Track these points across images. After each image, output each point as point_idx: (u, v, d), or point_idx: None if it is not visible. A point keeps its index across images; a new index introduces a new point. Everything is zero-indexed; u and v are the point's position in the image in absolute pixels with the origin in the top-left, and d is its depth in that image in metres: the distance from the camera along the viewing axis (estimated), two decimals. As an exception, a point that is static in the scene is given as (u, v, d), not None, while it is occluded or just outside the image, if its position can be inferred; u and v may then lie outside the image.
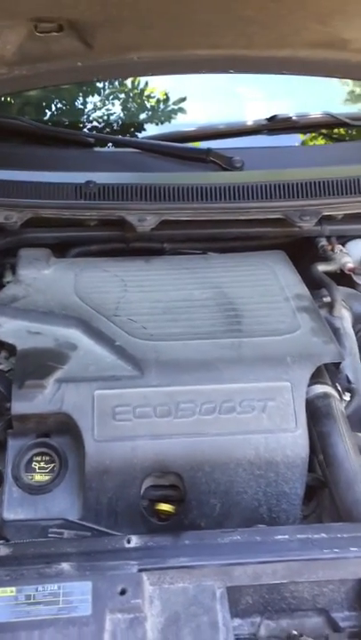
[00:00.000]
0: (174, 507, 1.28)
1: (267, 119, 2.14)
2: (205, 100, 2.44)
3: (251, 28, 1.65)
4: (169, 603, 1.01)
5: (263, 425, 1.27)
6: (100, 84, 2.47)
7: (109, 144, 2.15)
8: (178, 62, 1.78)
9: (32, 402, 1.27)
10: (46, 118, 2.39)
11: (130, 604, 0.99)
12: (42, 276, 1.64)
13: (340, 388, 1.42)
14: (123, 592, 1.00)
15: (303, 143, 2.25)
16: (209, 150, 1.97)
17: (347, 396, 1.43)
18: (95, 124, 2.37)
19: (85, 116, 2.42)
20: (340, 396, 1.40)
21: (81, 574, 1.03)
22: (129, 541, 1.08)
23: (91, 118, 2.40)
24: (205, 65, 1.82)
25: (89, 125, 2.36)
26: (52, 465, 1.28)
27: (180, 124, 2.33)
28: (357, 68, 1.81)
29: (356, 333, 1.65)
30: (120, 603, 0.99)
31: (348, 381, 1.49)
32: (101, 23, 1.61)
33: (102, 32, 1.64)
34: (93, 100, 2.46)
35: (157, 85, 2.47)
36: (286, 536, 1.09)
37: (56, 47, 1.67)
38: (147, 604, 0.99)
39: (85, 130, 2.32)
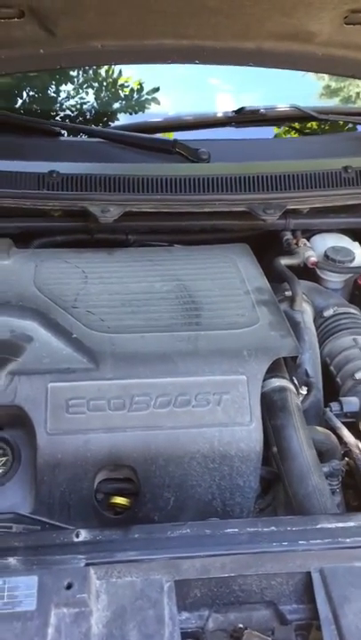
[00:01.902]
0: (129, 500, 1.27)
1: (234, 111, 2.13)
2: (174, 90, 2.43)
3: (215, 19, 1.64)
4: (116, 597, 1.00)
5: (218, 418, 1.27)
6: (72, 73, 2.45)
7: (75, 133, 2.12)
8: (142, 51, 1.76)
9: (-17, 394, 1.25)
10: (13, 106, 2.35)
11: (75, 598, 0.98)
12: (1, 266, 1.61)
13: (297, 382, 1.42)
14: (69, 586, 0.99)
15: (270, 136, 2.25)
16: (175, 141, 1.95)
17: (304, 390, 1.44)
18: (62, 112, 2.34)
19: (52, 105, 2.39)
20: (297, 390, 1.41)
21: (27, 569, 1.02)
22: (77, 535, 1.07)
23: (57, 107, 2.37)
24: (171, 55, 1.80)
25: (56, 114, 2.33)
26: (5, 458, 1.26)
27: (148, 114, 2.31)
28: (323, 62, 1.81)
29: (317, 327, 1.66)
30: (66, 597, 0.98)
31: (307, 375, 1.50)
32: (63, 10, 1.59)
33: (64, 19, 1.62)
34: (60, 88, 2.43)
35: (127, 76, 2.45)
36: (236, 529, 1.09)
37: (18, 33, 1.65)
38: (93, 599, 0.99)
39: (54, 119, 2.29)
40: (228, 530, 1.09)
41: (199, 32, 1.68)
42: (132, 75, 2.45)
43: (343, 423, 1.41)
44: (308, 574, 1.04)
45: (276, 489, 1.35)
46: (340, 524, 1.10)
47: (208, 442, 1.25)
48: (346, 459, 1.39)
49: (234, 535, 1.08)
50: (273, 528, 1.09)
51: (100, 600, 1.00)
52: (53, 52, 1.72)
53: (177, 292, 1.53)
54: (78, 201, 1.75)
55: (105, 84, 2.53)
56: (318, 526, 1.09)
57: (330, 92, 2.73)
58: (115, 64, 2.19)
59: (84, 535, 1.07)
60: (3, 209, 1.74)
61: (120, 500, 1.27)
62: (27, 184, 1.75)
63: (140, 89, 2.44)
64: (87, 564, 1.02)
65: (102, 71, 2.49)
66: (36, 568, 1.02)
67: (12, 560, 1.02)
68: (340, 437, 1.39)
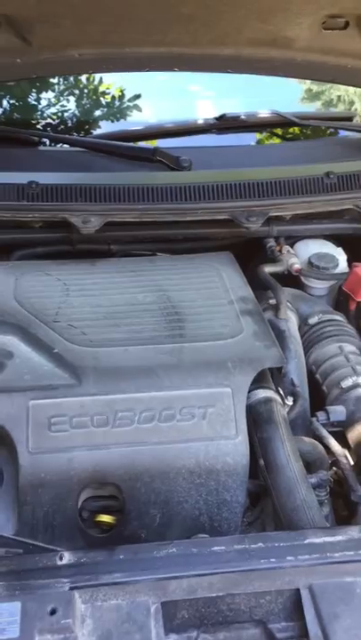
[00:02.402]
0: (115, 517, 1.25)
1: (215, 118, 2.12)
2: (155, 98, 2.41)
3: (192, 26, 1.62)
4: (101, 621, 0.98)
5: (203, 432, 1.25)
6: (52, 80, 2.42)
7: (54, 143, 2.09)
8: (120, 60, 1.75)
9: None
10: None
11: (60, 624, 0.95)
12: (-20, 280, 1.59)
13: (282, 392, 1.41)
14: (53, 612, 0.96)
15: (252, 143, 2.24)
16: (156, 149, 1.94)
17: (290, 400, 1.42)
18: (42, 121, 2.31)
19: (32, 114, 2.36)
20: (283, 401, 1.39)
21: (10, 594, 0.99)
22: (61, 558, 1.04)
23: (37, 116, 2.35)
24: (149, 63, 1.78)
25: (35, 123, 2.31)
26: (-14, 479, 1.23)
27: (129, 122, 2.30)
28: (302, 67, 1.80)
29: (302, 335, 1.64)
30: (50, 623, 0.95)
31: (293, 385, 1.49)
32: (39, 19, 1.56)
33: (40, 28, 1.59)
34: (40, 96, 2.40)
35: (108, 83, 2.43)
36: (223, 547, 1.07)
37: (-7, 43, 1.62)
38: (78, 624, 0.96)
39: (33, 127, 2.27)
40: (215, 548, 1.07)
41: (177, 39, 1.66)
42: (112, 82, 2.43)
43: (330, 432, 1.40)
44: (298, 591, 1.02)
45: (264, 502, 1.33)
46: (329, 539, 1.08)
47: (194, 457, 1.23)
48: (334, 468, 1.37)
49: (221, 553, 1.06)
50: (260, 544, 1.07)
51: (85, 625, 0.97)
52: (30, 61, 1.69)
53: (160, 304, 1.51)
54: (59, 212, 1.73)
55: (85, 91, 2.51)
56: (306, 541, 1.08)
57: (311, 96, 2.73)
58: (92, 73, 2.17)
59: (67, 558, 1.05)
60: (-17, 221, 1.72)
61: (105, 517, 1.25)
62: (6, 195, 1.73)
63: (122, 96, 2.42)
64: (71, 588, 1.00)
65: (83, 78, 2.47)
66: (19, 593, 0.99)
67: (-6, 586, 1.00)
68: (327, 447, 1.38)
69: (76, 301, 1.52)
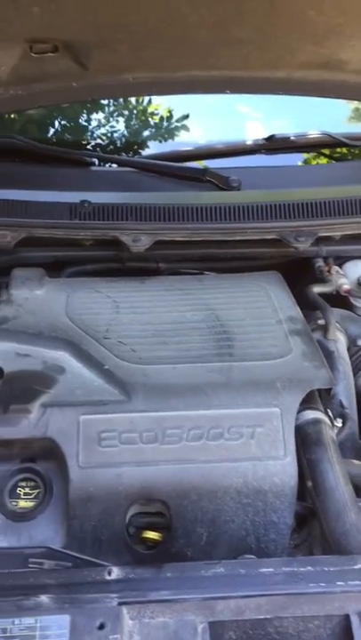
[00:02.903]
0: (161, 534, 1.25)
1: (265, 139, 2.13)
2: (205, 119, 2.44)
3: (246, 49, 1.65)
4: (149, 638, 0.98)
5: (251, 452, 1.24)
6: (102, 102, 2.48)
7: (105, 163, 2.14)
8: (173, 83, 1.78)
9: (16, 427, 1.25)
10: (46, 136, 2.39)
11: (108, 639, 0.96)
12: (34, 296, 1.63)
13: (331, 414, 1.39)
14: (101, 626, 0.97)
15: (301, 163, 2.24)
16: (206, 170, 1.96)
17: (339, 422, 1.41)
18: (93, 142, 2.37)
19: (84, 134, 2.42)
20: (332, 422, 1.38)
21: (59, 607, 1.00)
22: (110, 573, 1.05)
23: (89, 136, 2.41)
24: (201, 86, 1.81)
25: (87, 143, 2.36)
26: (37, 491, 1.25)
27: (178, 143, 2.33)
28: (354, 89, 1.80)
29: (351, 356, 1.63)
30: (98, 637, 0.96)
31: (342, 406, 1.47)
32: (96, 44, 1.61)
33: (97, 53, 1.64)
34: (92, 118, 2.47)
35: (156, 104, 2.48)
36: (271, 569, 1.06)
37: (51, 67, 1.67)
38: (126, 639, 0.97)
39: (85, 148, 2.33)
40: (264, 569, 1.06)
41: (230, 63, 1.69)
42: (161, 103, 2.48)
43: (380, 456, 1.38)
44: (347, 617, 1.00)
45: (311, 524, 1.31)
46: (380, 565, 1.06)
47: (242, 476, 1.23)
48: (383, 493, 1.35)
49: (269, 575, 1.05)
50: (310, 568, 1.06)
51: (132, 641, 0.98)
52: (86, 84, 1.74)
53: (208, 322, 1.52)
54: (110, 230, 1.76)
55: (135, 112, 2.56)
56: (357, 567, 1.06)
57: (359, 116, 2.72)
58: (146, 95, 2.22)
59: (116, 573, 1.05)
60: (35, 239, 1.76)
61: (152, 534, 1.25)
62: (59, 214, 1.77)
63: (170, 117, 2.46)
64: (120, 604, 1.00)
65: (132, 99, 2.53)
66: (69, 607, 1.00)
67: (44, 598, 1.01)
68: (376, 471, 1.36)
69: (125, 318, 1.54)
